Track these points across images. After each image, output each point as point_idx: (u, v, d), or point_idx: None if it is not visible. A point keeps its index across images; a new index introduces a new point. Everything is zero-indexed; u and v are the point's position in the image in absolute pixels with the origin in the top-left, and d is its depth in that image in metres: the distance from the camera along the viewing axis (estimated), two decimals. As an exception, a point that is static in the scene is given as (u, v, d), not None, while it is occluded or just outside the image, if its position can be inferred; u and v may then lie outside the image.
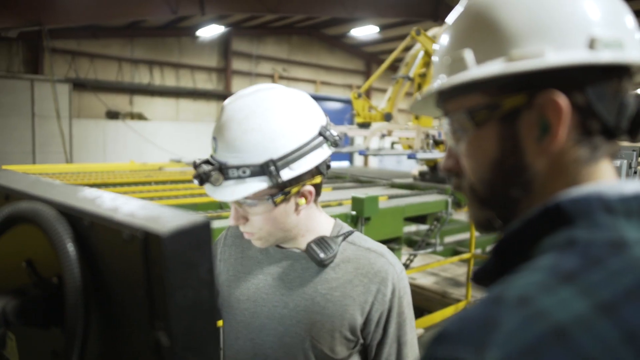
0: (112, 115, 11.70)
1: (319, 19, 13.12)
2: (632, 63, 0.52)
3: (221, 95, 13.61)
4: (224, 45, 13.49)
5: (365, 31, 12.51)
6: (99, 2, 8.16)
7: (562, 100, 0.51)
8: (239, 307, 1.08)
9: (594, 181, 0.53)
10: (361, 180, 5.01)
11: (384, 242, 3.61)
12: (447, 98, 0.60)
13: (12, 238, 0.57)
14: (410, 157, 4.31)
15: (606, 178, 0.53)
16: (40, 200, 0.54)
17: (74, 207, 0.51)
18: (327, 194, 4.00)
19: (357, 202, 3.01)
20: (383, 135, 4.98)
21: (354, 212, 3.00)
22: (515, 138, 0.54)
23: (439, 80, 0.59)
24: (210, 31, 11.98)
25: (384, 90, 6.05)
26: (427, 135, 4.50)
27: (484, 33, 0.55)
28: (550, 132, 0.52)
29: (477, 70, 0.54)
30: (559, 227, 0.49)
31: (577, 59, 0.51)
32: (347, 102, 10.42)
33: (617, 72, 0.53)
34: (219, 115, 0.98)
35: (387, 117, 5.25)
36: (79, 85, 11.00)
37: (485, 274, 0.53)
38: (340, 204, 3.36)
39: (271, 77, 14.58)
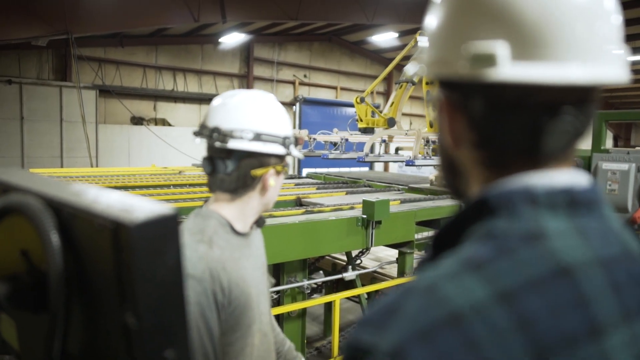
0: (137, 120, 11.98)
1: (340, 26, 13.18)
2: (494, 81, 0.49)
3: (242, 101, 13.75)
4: (245, 52, 13.68)
5: (385, 37, 12.52)
6: (124, 11, 8.40)
7: (447, 106, 0.54)
8: (255, 304, 1.22)
9: (513, 179, 0.52)
10: (377, 185, 5.00)
11: (395, 245, 3.64)
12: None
13: (9, 229, 0.61)
14: (408, 163, 4.25)
15: (530, 177, 0.52)
16: (31, 193, 0.58)
17: (59, 199, 0.55)
18: (340, 198, 4.02)
19: (367, 206, 3.02)
20: (383, 141, 4.89)
21: (364, 216, 3.02)
22: (443, 128, 0.57)
23: (421, 66, 0.61)
24: (232, 38, 12.18)
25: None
26: (428, 142, 4.40)
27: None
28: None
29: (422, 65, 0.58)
30: (483, 218, 0.50)
31: (444, 73, 0.53)
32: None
33: (497, 87, 0.50)
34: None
35: (391, 122, 5.12)
36: (105, 92, 11.31)
37: (424, 264, 0.55)
38: (352, 208, 3.38)
39: (292, 84, 14.70)
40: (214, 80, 13.29)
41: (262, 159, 1.19)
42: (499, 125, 0.51)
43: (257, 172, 1.19)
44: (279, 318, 3.17)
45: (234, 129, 1.16)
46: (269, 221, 2.84)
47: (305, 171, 9.38)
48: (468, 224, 0.51)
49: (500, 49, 0.48)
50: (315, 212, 3.27)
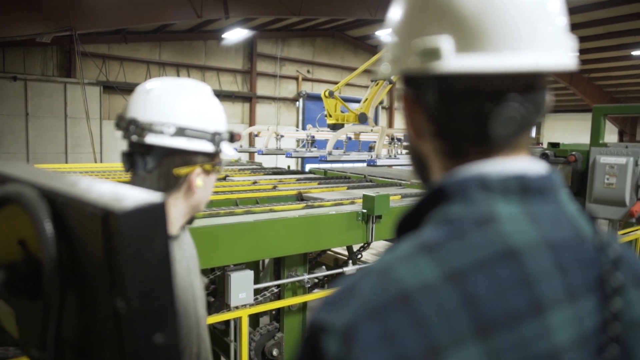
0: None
1: (343, 21, 13.15)
2: (441, 73, 0.51)
3: (246, 97, 13.80)
4: (249, 48, 13.67)
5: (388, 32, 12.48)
6: (127, 8, 8.42)
7: (407, 101, 0.57)
8: (192, 310, 1.12)
9: (464, 167, 0.55)
10: (378, 181, 5.00)
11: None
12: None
13: (8, 219, 0.63)
14: (370, 163, 4.10)
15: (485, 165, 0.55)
16: (27, 183, 0.60)
17: (53, 189, 0.57)
18: (341, 193, 4.03)
19: (368, 200, 3.04)
20: (349, 139, 4.69)
21: (364, 210, 3.04)
22: (407, 121, 0.60)
23: (386, 65, 0.64)
24: (236, 34, 12.18)
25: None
26: (393, 139, 4.23)
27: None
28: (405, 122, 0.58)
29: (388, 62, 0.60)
30: (440, 204, 0.53)
31: (400, 69, 0.56)
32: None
33: (445, 78, 0.52)
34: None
35: (362, 118, 4.84)
36: (109, 88, 11.36)
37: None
38: (352, 203, 3.39)
39: (295, 79, 14.69)
40: (218, 76, 13.31)
41: (186, 157, 1.06)
42: (451, 115, 0.54)
43: (181, 171, 1.06)
44: (279, 312, 3.20)
45: (154, 122, 1.02)
46: (269, 216, 2.86)
47: (308, 167, 9.41)
48: (427, 210, 0.54)
49: (445, 43, 0.51)
50: (316, 206, 3.29)
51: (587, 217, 0.56)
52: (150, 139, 1.02)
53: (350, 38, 15.05)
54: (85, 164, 8.22)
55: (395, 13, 0.59)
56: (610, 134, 17.15)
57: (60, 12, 7.80)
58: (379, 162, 4.13)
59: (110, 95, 11.55)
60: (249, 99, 13.84)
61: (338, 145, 5.04)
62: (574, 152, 4.27)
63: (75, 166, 5.54)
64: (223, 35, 12.43)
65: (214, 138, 1.08)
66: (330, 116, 5.06)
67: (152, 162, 1.05)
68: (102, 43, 11.36)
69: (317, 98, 14.86)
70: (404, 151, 4.63)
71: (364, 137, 4.97)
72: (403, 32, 0.56)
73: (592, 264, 0.53)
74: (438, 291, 0.45)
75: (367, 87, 14.81)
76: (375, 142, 4.74)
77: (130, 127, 1.03)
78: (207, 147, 1.07)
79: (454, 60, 0.51)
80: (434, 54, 0.51)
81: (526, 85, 0.53)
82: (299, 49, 14.58)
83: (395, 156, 4.26)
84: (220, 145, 1.09)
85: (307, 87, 14.78)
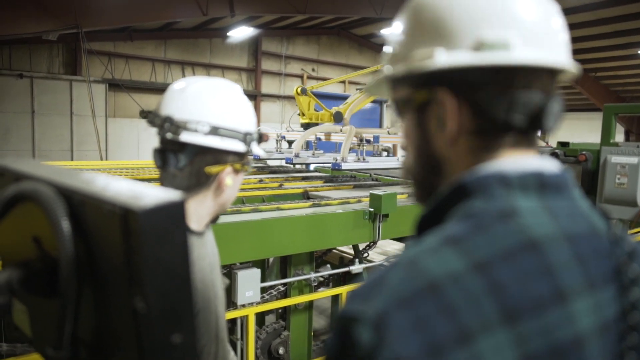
0: (146, 114, 12.06)
1: (348, 19, 13.13)
2: (515, 64, 0.54)
3: (251, 95, 13.79)
4: (254, 46, 13.68)
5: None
6: (133, 6, 8.44)
7: (449, 98, 0.57)
8: (213, 308, 1.13)
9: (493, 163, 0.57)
10: (384, 179, 4.99)
11: (402, 239, 3.63)
12: (392, 87, 0.66)
13: (22, 216, 0.62)
14: (335, 167, 3.93)
15: (503, 162, 0.57)
16: (42, 180, 0.60)
17: (69, 186, 0.56)
18: (347, 191, 4.02)
19: (375, 199, 3.03)
20: (318, 139, 4.38)
21: (371, 209, 3.03)
22: (425, 128, 0.61)
23: (382, 73, 0.65)
24: (241, 32, 12.19)
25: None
26: (362, 141, 3.96)
27: (402, 37, 0.62)
28: (444, 124, 0.58)
29: (390, 67, 0.61)
30: (462, 200, 0.55)
31: (460, 61, 0.55)
32: (378, 102, 10.35)
33: (508, 71, 0.55)
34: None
35: (337, 117, 4.54)
36: (115, 86, 11.39)
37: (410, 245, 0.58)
38: (359, 201, 3.39)
39: (300, 77, 14.68)
40: (223, 74, 13.32)
41: (218, 156, 1.08)
42: (506, 106, 0.56)
43: (212, 169, 1.08)
44: (285, 310, 3.20)
45: (189, 120, 1.05)
46: (276, 214, 2.86)
47: (312, 165, 9.40)
48: (449, 206, 0.56)
49: (517, 34, 0.55)
50: (323, 205, 3.28)
51: (599, 214, 0.58)
52: (185, 136, 1.05)
53: (355, 36, 15.02)
54: (91, 161, 8.25)
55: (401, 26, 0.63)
56: (616, 133, 17.03)
57: (66, 10, 7.83)
58: (344, 166, 3.92)
59: (115, 92, 11.58)
60: (254, 97, 13.85)
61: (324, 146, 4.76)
62: (584, 152, 4.25)
63: (83, 163, 5.56)
64: (228, 34, 12.44)
65: (245, 138, 1.10)
66: (304, 115, 4.77)
67: (184, 159, 1.07)
68: (108, 41, 11.39)
69: (321, 96, 14.87)
70: (384, 153, 4.51)
71: (335, 138, 4.72)
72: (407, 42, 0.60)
73: (608, 256, 0.55)
74: (465, 280, 0.47)
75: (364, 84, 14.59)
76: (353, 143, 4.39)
77: (165, 124, 1.06)
78: (239, 146, 1.09)
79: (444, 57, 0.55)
80: (502, 46, 0.54)
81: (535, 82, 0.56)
82: (304, 47, 14.58)
83: (364, 159, 4.07)
84: (250, 145, 1.12)
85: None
